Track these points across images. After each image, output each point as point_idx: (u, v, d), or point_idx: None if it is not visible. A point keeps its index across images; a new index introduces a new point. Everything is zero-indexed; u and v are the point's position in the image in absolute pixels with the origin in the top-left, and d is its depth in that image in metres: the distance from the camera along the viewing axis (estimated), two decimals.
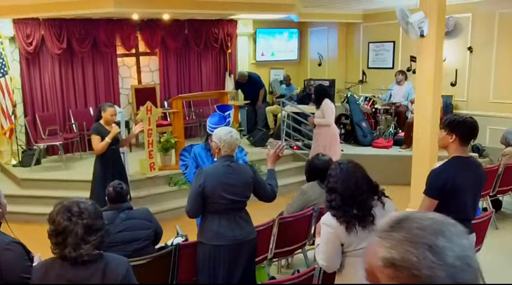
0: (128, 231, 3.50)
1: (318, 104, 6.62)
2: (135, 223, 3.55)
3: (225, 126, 4.28)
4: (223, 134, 3.33)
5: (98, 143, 5.20)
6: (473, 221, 3.28)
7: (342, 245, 2.62)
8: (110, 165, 5.31)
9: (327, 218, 2.65)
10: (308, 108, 8.49)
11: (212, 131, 4.11)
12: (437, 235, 0.92)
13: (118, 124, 7.26)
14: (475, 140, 3.17)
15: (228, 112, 5.06)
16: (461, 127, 2.99)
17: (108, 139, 5.16)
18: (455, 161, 3.02)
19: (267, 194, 3.44)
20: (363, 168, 2.76)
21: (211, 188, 3.18)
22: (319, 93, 6.72)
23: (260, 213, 4.67)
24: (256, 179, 3.39)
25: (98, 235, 2.12)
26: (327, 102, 6.56)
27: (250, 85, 9.71)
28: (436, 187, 2.99)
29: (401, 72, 8.70)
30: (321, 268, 3.02)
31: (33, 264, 2.38)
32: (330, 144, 6.58)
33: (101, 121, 5.30)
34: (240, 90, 9.92)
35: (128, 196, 3.76)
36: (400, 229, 0.95)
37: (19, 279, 2.31)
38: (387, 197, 2.77)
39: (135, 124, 9.00)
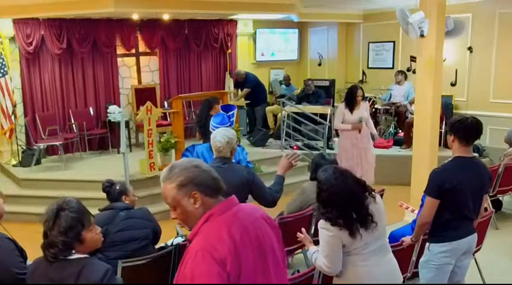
0: (127, 230, 3.49)
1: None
2: (134, 222, 3.54)
3: (229, 125, 4.31)
4: (211, 136, 3.41)
5: None
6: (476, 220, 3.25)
7: (343, 246, 2.63)
8: None
9: (326, 222, 2.64)
10: (309, 108, 8.49)
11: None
12: (195, 165, 1.78)
13: (118, 124, 7.29)
14: (475, 140, 3.16)
15: (231, 112, 5.09)
16: (458, 128, 3.04)
17: None
18: (456, 161, 3.06)
19: (265, 199, 3.42)
20: (349, 171, 2.77)
21: None
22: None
23: None
24: (252, 181, 3.37)
25: (71, 234, 2.20)
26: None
27: (247, 85, 9.70)
28: (435, 186, 3.01)
29: (401, 72, 8.70)
30: None
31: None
32: (371, 146, 6.56)
33: (212, 113, 5.58)
34: (239, 90, 9.92)
35: (123, 196, 3.73)
36: (176, 168, 1.76)
37: (11, 274, 2.33)
38: (373, 190, 2.78)
39: (136, 124, 9.05)
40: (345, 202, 2.61)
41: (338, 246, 2.61)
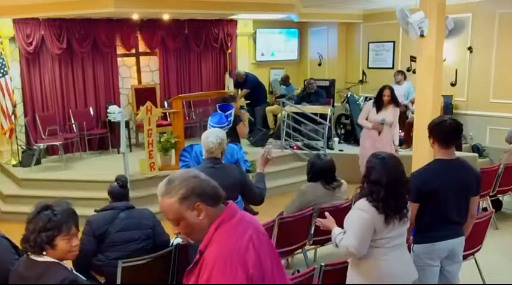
0: (125, 231, 3.48)
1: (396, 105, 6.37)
2: (132, 222, 3.53)
3: (226, 125, 4.31)
4: (203, 136, 3.40)
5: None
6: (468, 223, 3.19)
7: (373, 231, 2.68)
8: None
9: (365, 204, 2.68)
10: (309, 108, 8.49)
11: None
12: (194, 175, 1.72)
13: (118, 124, 7.29)
14: (455, 142, 3.10)
15: (228, 112, 5.09)
16: (437, 131, 3.00)
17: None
18: (435, 164, 3.04)
19: (255, 198, 3.50)
20: (401, 161, 2.80)
21: None
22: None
23: (260, 213, 4.67)
24: (244, 182, 3.40)
25: (44, 235, 2.18)
26: None
27: (247, 86, 9.70)
28: (413, 189, 2.95)
29: (400, 72, 8.71)
30: (321, 268, 3.02)
31: None
32: (392, 145, 6.42)
33: None
34: (239, 90, 9.92)
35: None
36: (175, 181, 1.68)
37: (8, 271, 2.35)
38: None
39: (136, 124, 9.05)
40: (391, 185, 2.65)
41: (370, 229, 2.66)
